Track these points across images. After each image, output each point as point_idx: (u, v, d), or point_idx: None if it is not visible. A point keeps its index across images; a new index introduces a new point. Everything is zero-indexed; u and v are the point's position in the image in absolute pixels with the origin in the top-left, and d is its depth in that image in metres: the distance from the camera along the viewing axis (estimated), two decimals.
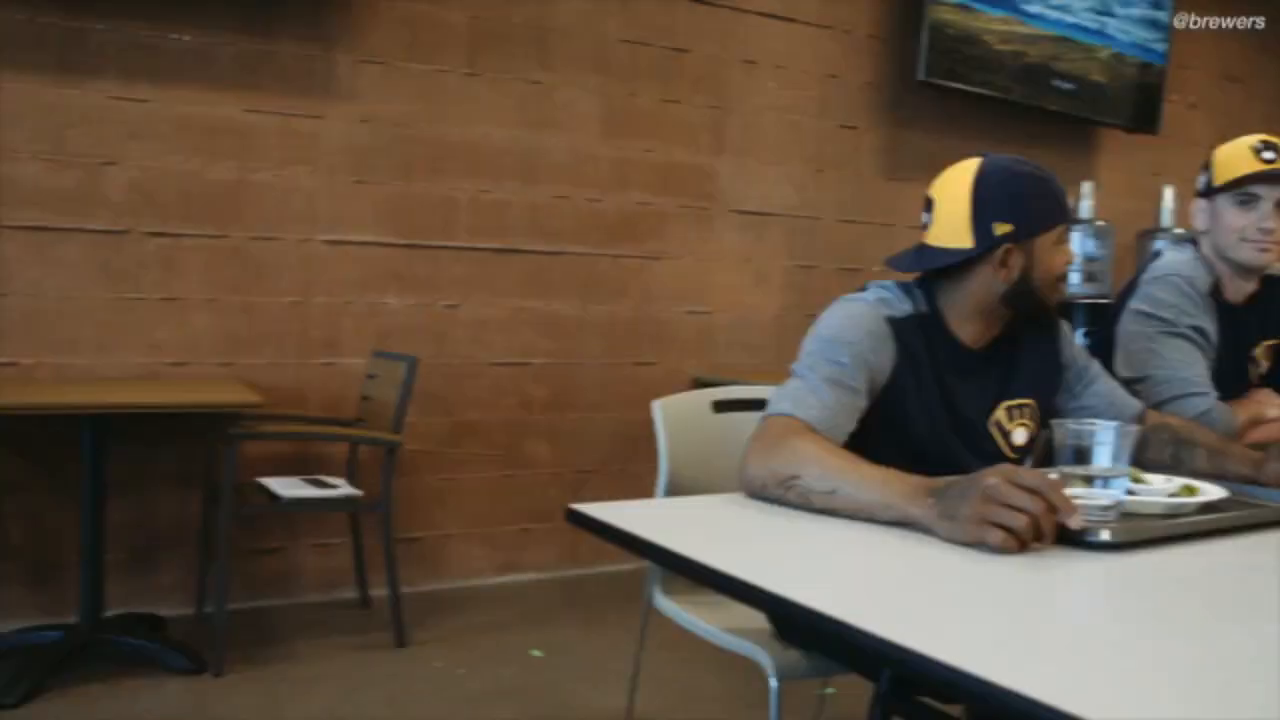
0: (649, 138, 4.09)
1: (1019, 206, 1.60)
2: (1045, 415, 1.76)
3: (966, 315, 1.68)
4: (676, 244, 4.17)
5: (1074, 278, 4.81)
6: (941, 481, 1.24)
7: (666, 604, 1.88)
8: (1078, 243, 4.81)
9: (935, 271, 1.69)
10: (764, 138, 4.35)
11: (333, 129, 3.52)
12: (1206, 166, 2.13)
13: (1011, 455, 1.74)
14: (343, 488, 3.15)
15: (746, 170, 4.31)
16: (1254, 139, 2.06)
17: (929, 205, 1.69)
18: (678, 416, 1.98)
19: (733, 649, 1.71)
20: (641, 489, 1.96)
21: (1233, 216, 2.05)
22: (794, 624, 1.57)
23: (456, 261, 3.75)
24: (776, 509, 1.37)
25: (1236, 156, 2.06)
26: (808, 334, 1.63)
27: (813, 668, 1.67)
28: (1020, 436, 1.74)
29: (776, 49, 4.36)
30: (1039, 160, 1.69)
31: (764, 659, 1.64)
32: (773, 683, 1.61)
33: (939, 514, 1.19)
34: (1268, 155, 2.01)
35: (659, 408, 1.95)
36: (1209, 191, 2.11)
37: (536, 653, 3.15)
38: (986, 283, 1.64)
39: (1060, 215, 1.64)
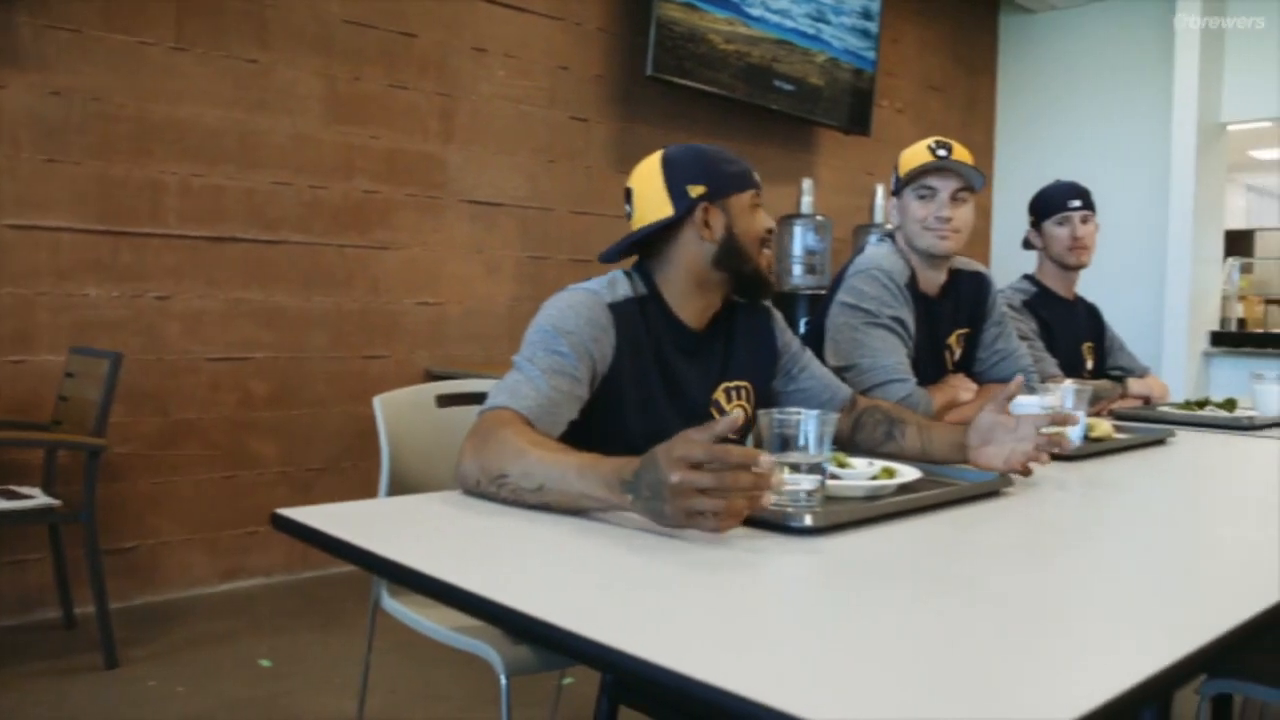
0: (375, 124, 3.96)
1: (709, 169, 1.69)
2: (761, 399, 1.83)
3: (684, 291, 1.72)
4: (405, 234, 4.07)
5: (795, 269, 5.06)
6: (630, 470, 1.21)
7: (394, 605, 1.83)
8: (799, 236, 5.07)
9: (649, 253, 1.73)
10: (494, 127, 4.31)
11: (15, 100, 3.19)
12: (896, 167, 2.30)
13: (731, 437, 1.79)
14: (37, 497, 2.87)
15: (477, 159, 4.26)
16: (931, 139, 2.25)
17: (628, 196, 1.75)
18: (400, 412, 1.94)
19: (462, 648, 1.68)
20: (375, 487, 1.91)
21: (915, 207, 2.22)
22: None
23: (166, 250, 3.49)
24: (490, 506, 1.34)
25: (915, 154, 2.24)
26: (529, 324, 1.61)
27: (543, 661, 1.66)
28: (738, 420, 1.80)
29: (507, 37, 4.33)
30: (763, 157, 1.76)
31: (493, 656, 1.61)
32: (503, 680, 1.60)
33: (641, 511, 1.20)
34: (941, 152, 2.20)
35: (379, 403, 1.90)
36: (898, 188, 2.27)
37: (265, 663, 2.99)
38: (694, 249, 1.69)
39: (751, 182, 1.73)
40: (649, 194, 1.70)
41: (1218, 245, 6.58)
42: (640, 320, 1.67)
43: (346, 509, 1.35)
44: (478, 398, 1.93)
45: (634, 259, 1.78)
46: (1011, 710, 0.72)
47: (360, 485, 3.95)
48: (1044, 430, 1.57)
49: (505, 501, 1.34)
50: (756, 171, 1.77)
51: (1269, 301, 7.77)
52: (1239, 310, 6.82)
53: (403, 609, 1.80)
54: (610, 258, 1.76)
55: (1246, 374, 2.69)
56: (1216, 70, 6.22)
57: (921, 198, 2.21)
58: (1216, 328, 6.39)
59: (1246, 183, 11.80)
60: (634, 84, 4.74)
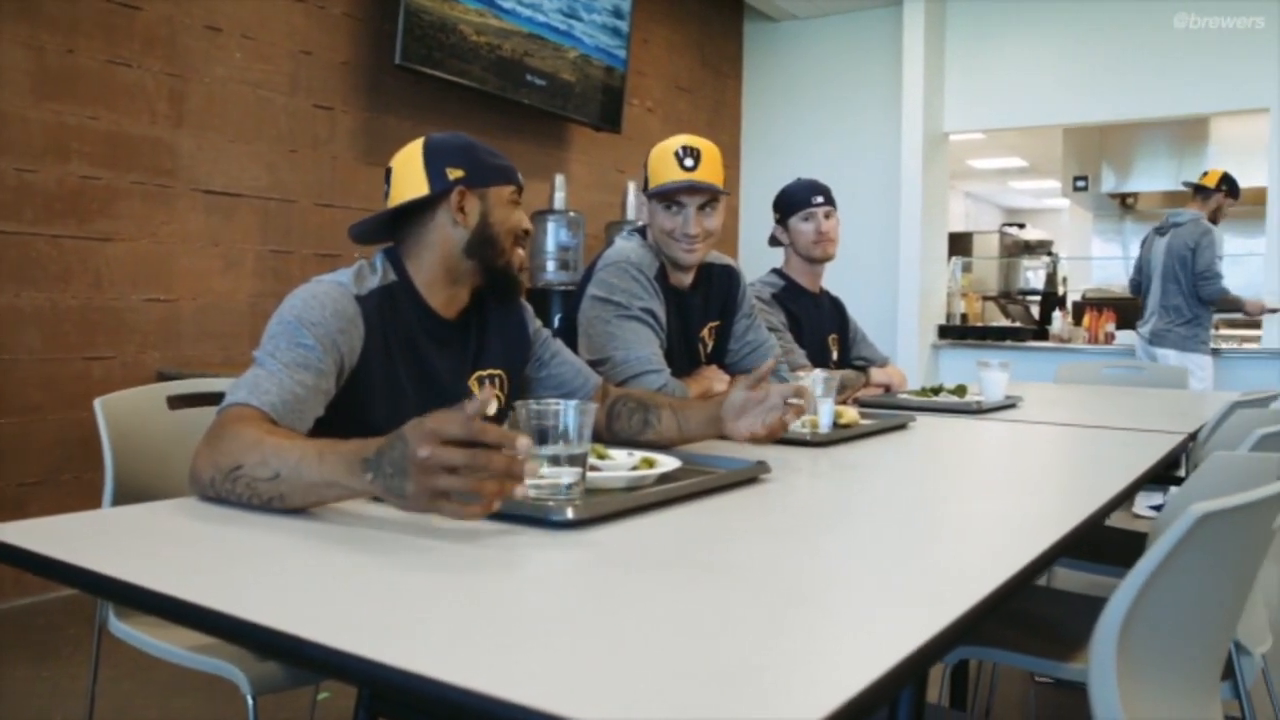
0: (93, 103, 3.62)
1: (470, 156, 1.69)
2: (514, 388, 1.81)
3: (435, 278, 1.68)
4: (131, 224, 3.75)
5: (549, 265, 5.05)
6: (372, 448, 1.14)
7: (122, 628, 1.67)
8: (552, 232, 5.06)
9: (402, 236, 1.70)
10: (231, 113, 4.05)
11: None
12: (645, 166, 2.27)
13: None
14: None
15: (212, 147, 3.99)
16: (678, 142, 2.20)
17: (387, 176, 1.72)
18: (127, 415, 1.80)
19: (203, 669, 1.55)
20: (99, 499, 1.74)
21: (663, 219, 2.21)
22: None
23: None
24: (224, 513, 1.24)
25: (663, 163, 2.20)
26: (271, 317, 1.51)
27: (293, 677, 1.57)
28: (491, 408, 1.75)
29: (243, 17, 4.07)
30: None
31: (237, 675, 1.51)
32: (249, 700, 1.51)
33: (384, 491, 1.12)
34: (689, 163, 2.17)
35: (100, 406, 1.75)
36: (647, 192, 2.25)
37: None
38: (447, 232, 1.67)
39: (513, 178, 1.73)
40: (407, 174, 1.68)
41: (942, 246, 7.10)
42: (390, 309, 1.62)
43: (62, 523, 1.20)
44: (214, 398, 1.78)
45: (387, 245, 1.73)
46: (777, 696, 0.71)
47: (84, 498, 3.61)
48: (790, 400, 1.67)
49: (240, 500, 1.25)
50: (544, 185, 1.75)
51: (986, 298, 8.46)
52: (961, 306, 7.38)
53: (133, 631, 1.66)
54: (362, 233, 1.72)
55: (969, 363, 2.90)
56: (938, 83, 6.70)
57: (669, 209, 2.20)
58: (943, 321, 6.88)
59: (965, 190, 12.82)
60: (382, 73, 4.58)
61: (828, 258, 2.89)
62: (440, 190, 1.65)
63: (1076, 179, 8.00)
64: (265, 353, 1.45)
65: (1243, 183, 7.50)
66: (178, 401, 1.87)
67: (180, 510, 1.27)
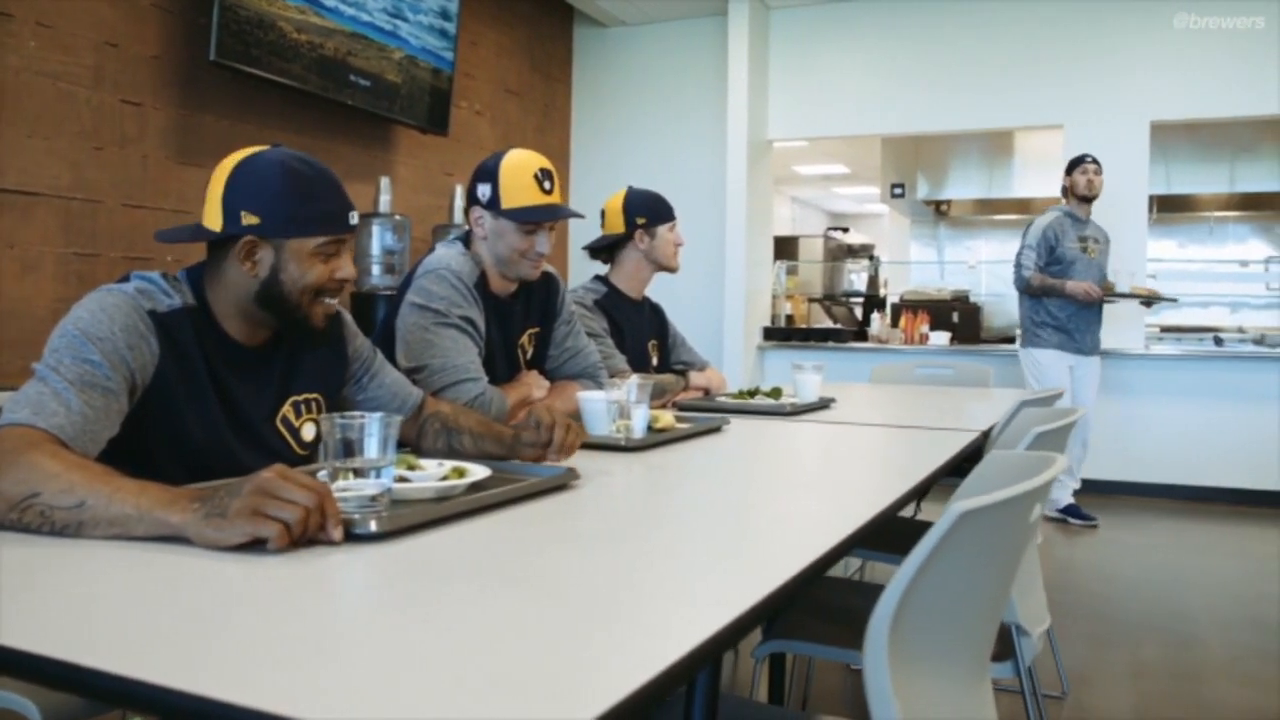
0: None
1: (273, 203, 1.54)
2: (333, 409, 1.75)
3: (230, 312, 1.60)
4: None
5: (374, 269, 4.96)
6: (209, 487, 1.17)
7: None
8: (377, 236, 4.97)
9: (208, 256, 1.62)
10: (25, 106, 3.81)
11: None
12: (492, 179, 2.23)
13: (301, 452, 1.71)
14: None
15: (4, 142, 3.75)
16: (535, 164, 2.23)
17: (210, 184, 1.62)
18: None
19: None
20: None
21: (517, 239, 2.23)
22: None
23: None
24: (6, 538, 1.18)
25: (522, 186, 2.21)
26: (55, 328, 1.43)
27: (89, 707, 1.49)
28: (309, 432, 1.72)
29: (38, 3, 3.84)
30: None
31: (28, 708, 1.43)
32: None
33: (205, 515, 1.12)
34: (548, 185, 2.22)
35: None
36: (495, 208, 2.23)
37: None
38: (237, 276, 1.57)
39: (326, 228, 1.58)
40: (210, 197, 1.57)
41: (768, 249, 7.30)
42: (190, 333, 1.53)
43: None
44: None
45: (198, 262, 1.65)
46: (556, 699, 0.73)
47: None
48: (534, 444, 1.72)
49: (23, 527, 1.18)
50: (354, 211, 1.62)
51: (812, 300, 8.75)
52: (787, 308, 7.61)
53: None
54: (167, 239, 1.64)
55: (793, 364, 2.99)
56: (762, 91, 6.89)
57: (524, 230, 2.22)
58: (768, 323, 7.08)
59: (792, 195, 13.23)
60: (197, 69, 4.40)
61: (678, 268, 2.97)
62: (229, 234, 1.54)
63: (894, 186, 8.36)
64: (48, 366, 1.37)
65: (1038, 193, 8.03)
66: None
67: None
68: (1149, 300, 5.70)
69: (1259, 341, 6.47)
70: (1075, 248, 5.22)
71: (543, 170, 2.23)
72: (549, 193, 2.22)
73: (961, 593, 1.05)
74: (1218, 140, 7.39)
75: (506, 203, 2.22)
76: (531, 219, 2.21)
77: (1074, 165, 5.33)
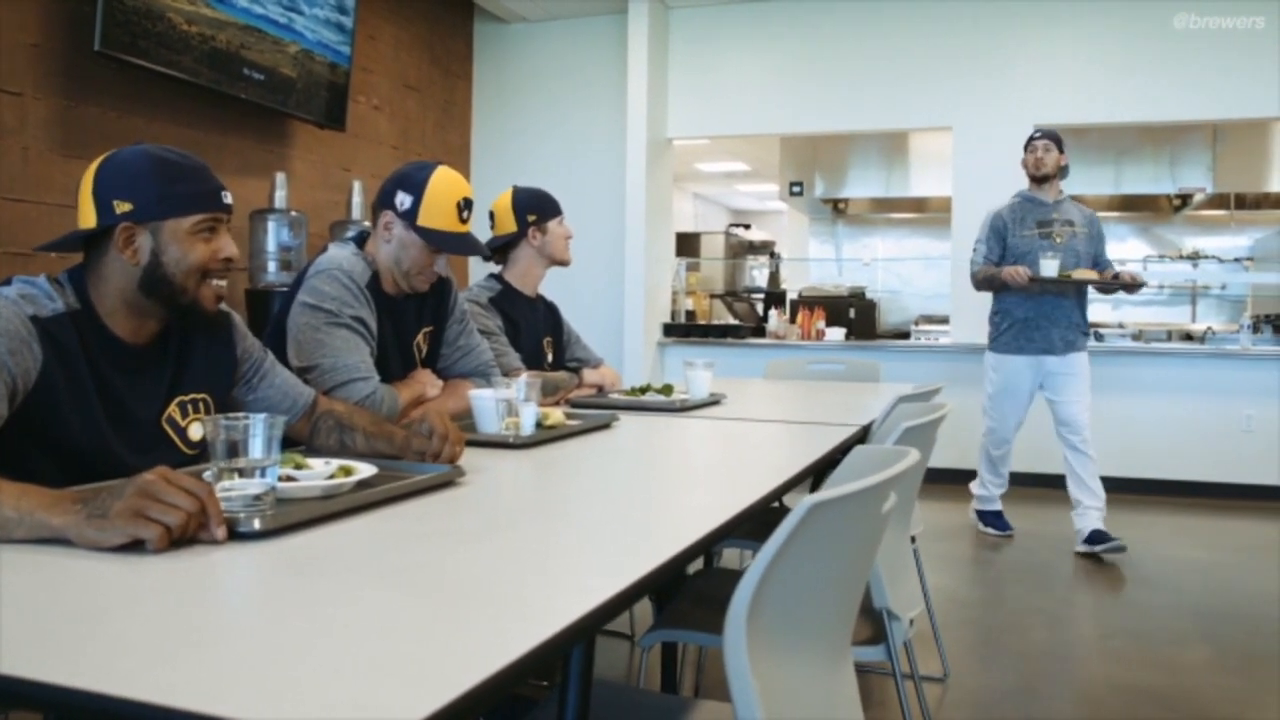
0: None
1: (142, 186, 1.58)
2: (221, 410, 1.76)
3: (115, 308, 1.61)
4: None
5: (270, 266, 4.89)
6: (91, 489, 1.18)
7: None
8: (273, 232, 4.90)
9: (87, 258, 1.62)
10: None
11: None
12: (415, 192, 2.25)
13: (189, 451, 1.71)
14: None
15: None
16: (460, 192, 2.28)
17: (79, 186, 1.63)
18: None
19: None
20: None
21: (420, 255, 2.27)
22: None
23: None
24: None
25: (443, 210, 2.25)
26: None
27: None
28: (196, 432, 1.73)
29: None
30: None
31: None
32: None
33: (87, 516, 1.14)
34: (465, 215, 2.29)
35: None
36: (410, 220, 2.25)
37: None
38: (119, 268, 1.60)
39: (199, 205, 1.62)
40: (82, 200, 1.59)
41: (669, 246, 7.39)
42: (73, 336, 1.54)
43: None
44: None
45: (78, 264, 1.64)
46: (409, 688, 0.77)
47: None
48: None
49: None
50: (227, 190, 1.66)
51: (714, 296, 8.88)
52: (689, 304, 7.71)
53: None
54: (50, 249, 1.64)
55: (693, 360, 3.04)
56: (662, 90, 6.97)
57: (431, 251, 2.28)
58: (669, 320, 7.16)
59: (694, 191, 13.36)
60: (81, 58, 4.28)
61: (570, 261, 3.01)
62: (105, 226, 1.57)
63: (792, 184, 8.52)
64: None
65: (931, 192, 8.26)
66: None
67: None
68: (1109, 288, 5.03)
69: (1136, 338, 6.77)
70: (1032, 234, 4.72)
71: (465, 200, 2.29)
72: (465, 222, 2.29)
73: (817, 579, 1.12)
74: (1103, 144, 7.70)
75: (424, 220, 2.25)
76: (443, 246, 2.28)
77: (1025, 145, 4.88)
